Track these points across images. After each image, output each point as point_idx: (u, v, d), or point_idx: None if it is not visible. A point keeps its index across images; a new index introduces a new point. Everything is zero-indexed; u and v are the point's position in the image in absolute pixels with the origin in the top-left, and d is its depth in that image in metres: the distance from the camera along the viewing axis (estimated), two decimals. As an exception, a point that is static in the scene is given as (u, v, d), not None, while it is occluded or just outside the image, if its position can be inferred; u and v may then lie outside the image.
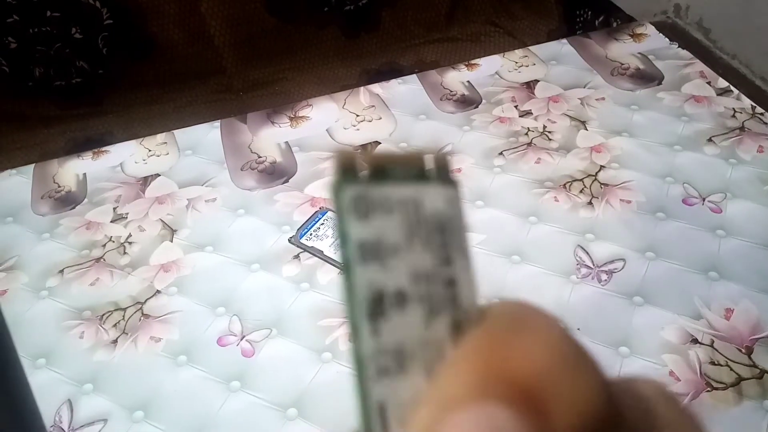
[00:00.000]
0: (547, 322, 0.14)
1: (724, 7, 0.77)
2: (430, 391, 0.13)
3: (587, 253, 0.56)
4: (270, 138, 0.69)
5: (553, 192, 0.61)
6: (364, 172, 0.14)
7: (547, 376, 0.13)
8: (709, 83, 0.72)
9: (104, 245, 0.59)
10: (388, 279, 0.14)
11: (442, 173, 0.15)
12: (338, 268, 0.13)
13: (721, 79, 0.72)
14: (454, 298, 0.14)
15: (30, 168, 0.68)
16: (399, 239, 0.14)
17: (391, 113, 0.71)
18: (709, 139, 0.65)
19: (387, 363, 0.14)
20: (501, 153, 0.65)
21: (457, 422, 0.12)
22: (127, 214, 0.62)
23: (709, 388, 0.47)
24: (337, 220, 0.14)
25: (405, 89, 0.74)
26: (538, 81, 0.74)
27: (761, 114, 0.68)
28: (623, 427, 0.14)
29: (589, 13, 0.92)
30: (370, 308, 0.14)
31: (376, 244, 0.14)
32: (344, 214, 0.14)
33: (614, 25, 0.84)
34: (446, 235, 0.14)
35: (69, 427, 0.47)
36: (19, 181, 0.67)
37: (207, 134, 0.70)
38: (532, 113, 0.70)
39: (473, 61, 0.78)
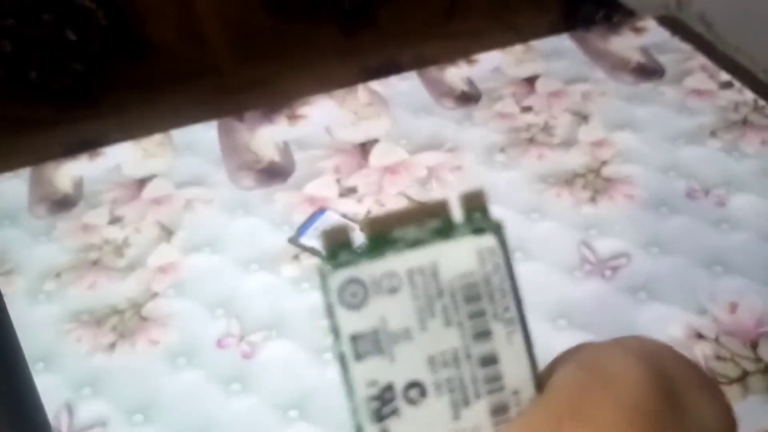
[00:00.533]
0: (606, 412, 0.11)
1: (726, 0, 0.77)
2: None
3: (591, 249, 0.56)
4: (268, 137, 0.69)
5: (555, 188, 0.61)
6: (361, 246, 0.12)
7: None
8: (711, 77, 0.72)
9: (101, 248, 0.59)
10: (396, 371, 0.12)
11: (475, 219, 0.12)
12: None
13: (723, 72, 0.72)
14: (496, 378, 0.12)
15: (26, 171, 0.68)
16: (408, 321, 0.12)
17: (391, 110, 0.71)
18: (712, 133, 0.65)
19: None
20: (502, 149, 0.65)
21: None
22: (124, 216, 0.62)
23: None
24: (327, 312, 0.12)
25: (404, 86, 0.74)
26: (539, 76, 0.74)
27: (764, 107, 0.68)
28: None
29: (590, 7, 0.92)
30: (374, 409, 0.12)
31: (375, 334, 0.12)
32: (333, 306, 0.12)
33: (615, 19, 0.84)
34: (482, 302, 0.12)
35: (68, 431, 0.47)
36: (15, 185, 0.67)
37: (204, 134, 0.70)
38: (533, 109, 0.70)
39: (473, 57, 0.78)
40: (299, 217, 0.60)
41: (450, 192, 0.61)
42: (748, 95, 0.69)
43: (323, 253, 0.12)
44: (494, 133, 0.67)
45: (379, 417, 0.12)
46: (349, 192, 0.62)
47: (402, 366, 0.12)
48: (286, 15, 0.92)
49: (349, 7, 0.91)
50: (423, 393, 0.12)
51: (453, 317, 0.12)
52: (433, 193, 0.62)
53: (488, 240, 0.12)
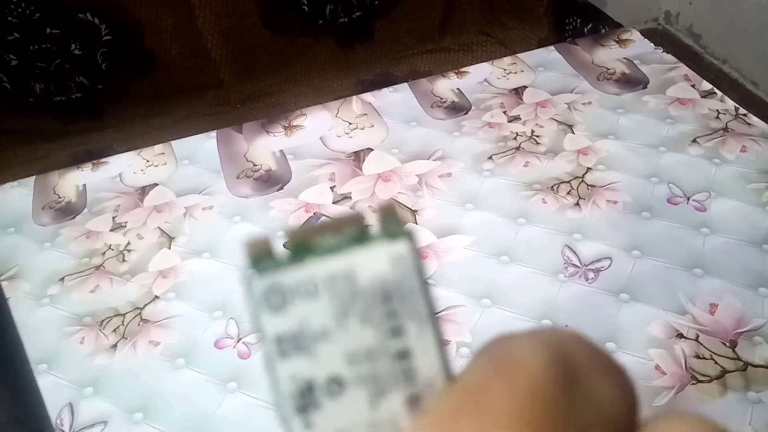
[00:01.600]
0: (505, 400, 0.12)
1: (713, 13, 0.78)
2: None
3: (574, 252, 0.57)
4: (265, 147, 0.70)
5: (541, 194, 0.62)
6: (283, 256, 0.13)
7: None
8: (693, 86, 0.73)
9: (104, 253, 0.60)
10: (316, 368, 0.13)
11: (390, 228, 0.13)
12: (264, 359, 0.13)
13: (705, 81, 0.73)
14: (409, 372, 0.13)
15: (31, 180, 0.69)
16: (327, 322, 0.13)
17: (383, 121, 0.72)
18: (694, 140, 0.66)
19: None
20: (490, 157, 0.66)
21: None
22: (126, 222, 0.63)
23: (694, 381, 0.48)
24: (251, 316, 0.13)
25: (396, 97, 0.76)
26: (526, 87, 0.75)
27: (744, 115, 0.69)
28: None
29: (578, 21, 0.93)
30: (298, 403, 0.13)
31: (297, 334, 0.13)
32: (257, 310, 0.13)
33: (603, 32, 0.86)
34: (395, 302, 0.13)
35: (70, 430, 0.48)
36: (20, 193, 0.68)
37: (204, 144, 0.71)
38: (520, 118, 0.71)
39: (462, 69, 0.79)
40: (295, 223, 0.61)
41: (439, 199, 0.62)
42: (730, 104, 0.70)
43: (248, 262, 0.13)
44: (483, 141, 0.68)
45: (302, 409, 0.13)
46: (343, 199, 0.63)
47: (322, 363, 0.13)
48: (286, 30, 0.94)
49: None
50: (342, 387, 0.13)
51: (368, 317, 0.13)
52: (424, 200, 0.63)
53: (400, 247, 0.13)
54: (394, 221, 0.13)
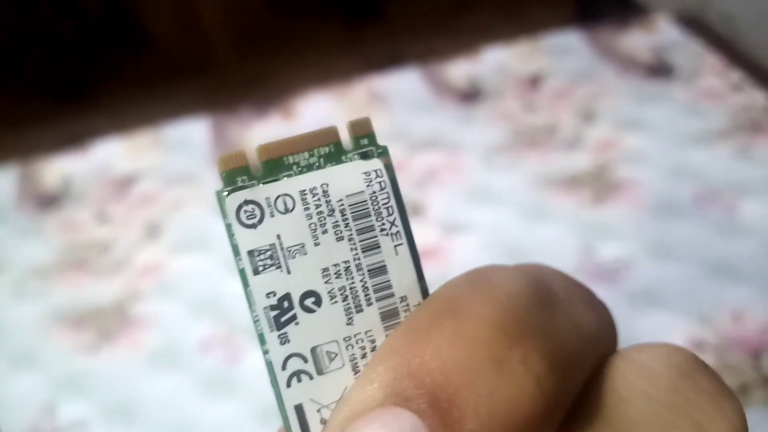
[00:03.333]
0: (484, 299, 0.13)
1: (749, -2, 0.77)
2: (350, 390, 0.13)
3: (593, 253, 0.57)
4: (262, 134, 0.71)
5: (558, 190, 0.62)
6: (257, 170, 0.13)
7: (458, 377, 0.12)
8: (723, 78, 0.72)
9: (87, 246, 0.61)
10: (292, 283, 0.13)
11: (363, 144, 0.14)
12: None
13: (738, 72, 0.73)
14: (385, 287, 0.14)
15: (13, 167, 0.70)
16: (302, 238, 0.13)
17: (390, 107, 0.72)
18: (723, 136, 0.66)
19: (301, 367, 0.14)
20: (504, 149, 0.66)
21: (359, 429, 0.12)
22: (111, 214, 0.64)
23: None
24: (227, 233, 0.13)
25: (404, 82, 0.76)
26: (545, 74, 0.75)
27: (780, 108, 0.68)
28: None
29: (604, 3, 0.92)
30: (273, 318, 0.13)
31: (271, 250, 0.13)
32: (231, 225, 0.13)
33: (629, 16, 0.85)
34: (370, 218, 0.14)
35: (49, 430, 0.49)
36: (3, 180, 0.68)
37: (196, 131, 0.72)
38: (537, 108, 0.71)
39: (476, 53, 0.79)
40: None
41: (447, 194, 0.62)
42: (761, 98, 0.69)
43: (221, 177, 0.13)
44: (496, 132, 0.68)
45: (279, 325, 0.13)
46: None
47: (298, 278, 0.13)
48: (289, 8, 0.94)
49: None
50: (318, 302, 0.14)
51: (344, 233, 0.14)
52: (430, 194, 0.63)
53: (374, 163, 0.14)
54: (369, 137, 0.14)
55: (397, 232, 0.14)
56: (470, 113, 0.71)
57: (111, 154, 0.70)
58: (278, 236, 0.13)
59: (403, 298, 0.14)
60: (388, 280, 0.14)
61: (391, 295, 0.14)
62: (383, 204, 0.14)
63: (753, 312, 0.52)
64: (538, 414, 0.12)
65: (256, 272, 0.13)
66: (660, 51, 0.77)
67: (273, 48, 0.92)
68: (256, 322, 0.14)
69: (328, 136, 0.14)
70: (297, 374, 0.14)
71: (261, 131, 0.71)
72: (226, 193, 0.13)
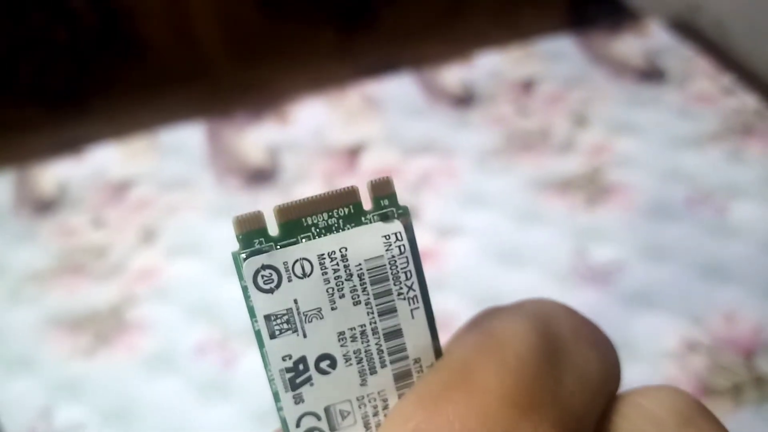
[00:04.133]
0: (495, 366, 0.13)
1: (740, 4, 0.78)
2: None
3: (587, 256, 0.57)
4: (256, 139, 0.71)
5: (552, 193, 0.63)
6: (275, 233, 0.13)
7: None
8: (714, 82, 0.73)
9: (83, 251, 0.61)
10: (308, 346, 0.13)
11: (383, 204, 0.14)
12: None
13: (729, 77, 0.73)
14: (399, 349, 0.14)
15: (9, 173, 0.70)
16: (319, 302, 0.13)
17: (383, 112, 0.73)
18: (714, 139, 0.67)
19: (314, 425, 0.14)
20: (498, 153, 0.67)
21: None
22: (107, 219, 0.64)
23: (708, 394, 0.48)
24: (243, 295, 0.13)
25: (398, 87, 0.76)
26: (538, 79, 0.76)
27: (766, 114, 0.69)
28: None
29: (596, 9, 0.93)
30: (288, 379, 0.14)
31: (288, 314, 0.13)
32: (248, 288, 0.13)
33: (622, 21, 0.86)
34: (388, 282, 0.14)
35: (44, 436, 0.49)
36: (-2, 186, 0.69)
37: (191, 136, 0.72)
38: (530, 112, 0.72)
39: (470, 59, 0.79)
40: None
41: (441, 197, 0.63)
42: (753, 101, 0.70)
43: (237, 239, 0.13)
44: (489, 136, 0.69)
45: (294, 386, 0.14)
46: (338, 196, 0.64)
47: (314, 341, 0.13)
48: (283, 15, 0.94)
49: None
50: (333, 365, 0.14)
51: (361, 297, 0.14)
52: (425, 198, 0.63)
53: (394, 225, 0.14)
54: (389, 197, 0.14)
55: (414, 296, 0.14)
56: (464, 118, 0.72)
57: (106, 159, 0.71)
58: (295, 301, 0.13)
59: (417, 360, 0.14)
60: (403, 343, 0.14)
61: (405, 357, 0.14)
62: (402, 268, 0.14)
63: (745, 313, 0.53)
64: None
65: (272, 336, 0.13)
66: (652, 55, 0.78)
67: (267, 54, 0.92)
68: (271, 381, 0.14)
69: (348, 196, 0.14)
70: (310, 431, 0.14)
71: (255, 136, 0.72)
72: (244, 256, 0.13)
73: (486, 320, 0.14)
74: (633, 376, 0.50)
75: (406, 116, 0.72)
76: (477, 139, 0.69)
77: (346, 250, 0.13)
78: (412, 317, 0.14)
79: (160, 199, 0.65)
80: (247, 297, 0.13)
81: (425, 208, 0.62)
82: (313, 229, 0.13)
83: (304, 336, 0.13)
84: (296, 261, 0.13)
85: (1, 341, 0.55)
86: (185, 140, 0.72)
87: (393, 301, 0.14)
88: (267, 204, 0.64)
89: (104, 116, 0.85)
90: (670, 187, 0.63)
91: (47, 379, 0.52)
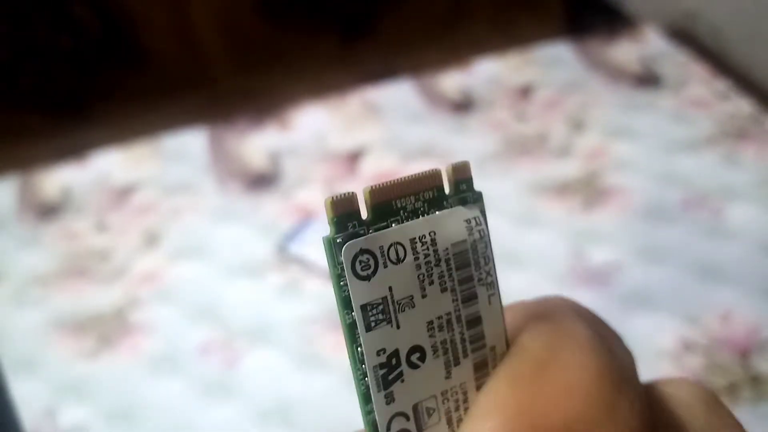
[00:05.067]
0: (580, 350, 0.13)
1: (737, 11, 0.79)
2: None
3: (584, 257, 0.58)
4: (258, 144, 0.72)
5: (549, 197, 0.63)
6: (366, 216, 0.12)
7: (579, 425, 0.12)
8: (709, 87, 0.74)
9: (87, 254, 0.62)
10: (401, 338, 0.13)
11: (462, 190, 0.13)
12: (327, 277, 0.12)
13: (723, 82, 0.74)
14: (479, 338, 0.13)
15: (13, 178, 0.71)
16: (411, 289, 0.13)
17: (383, 118, 0.74)
18: (709, 143, 0.67)
19: (404, 426, 0.13)
20: (496, 157, 0.68)
21: None
22: (110, 223, 0.64)
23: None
24: (334, 283, 0.12)
25: (398, 93, 0.77)
26: (535, 85, 0.76)
27: (761, 118, 0.70)
28: None
29: (593, 16, 0.94)
30: (382, 377, 0.12)
31: (383, 303, 0.12)
32: (343, 276, 0.12)
33: (618, 28, 0.87)
34: (470, 267, 0.13)
35: (49, 436, 0.49)
36: (3, 191, 0.69)
37: (193, 142, 0.73)
38: (528, 117, 0.72)
39: (469, 65, 0.80)
40: (287, 225, 0.62)
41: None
42: (747, 106, 0.71)
43: (331, 222, 0.12)
44: (488, 141, 0.70)
45: (386, 384, 0.13)
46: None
47: (405, 332, 0.13)
48: (284, 23, 0.95)
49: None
50: (423, 357, 0.13)
51: (447, 283, 0.13)
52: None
53: (474, 210, 0.13)
54: (467, 182, 0.13)
55: (492, 281, 0.14)
56: (463, 123, 0.72)
57: (109, 164, 0.71)
58: (390, 288, 0.12)
59: (492, 348, 0.13)
60: (482, 331, 0.13)
61: (484, 346, 0.13)
62: (482, 253, 0.13)
63: (740, 313, 0.53)
64: None
65: (368, 328, 0.12)
66: (648, 61, 0.78)
67: (268, 61, 0.93)
68: (360, 381, 0.12)
69: (433, 179, 0.13)
70: None
71: (257, 142, 0.72)
72: (340, 240, 0.12)
73: (550, 318, 0.14)
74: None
75: (405, 122, 0.73)
76: (476, 143, 0.70)
77: (435, 234, 0.13)
78: (489, 303, 0.13)
79: (163, 204, 0.66)
80: (341, 287, 0.12)
81: (425, 212, 0.63)
82: (402, 212, 0.13)
83: (398, 327, 0.12)
84: (391, 245, 0.12)
85: (6, 343, 0.55)
86: (188, 146, 0.73)
87: (474, 287, 0.13)
88: (268, 209, 0.64)
89: (107, 123, 0.86)
90: (666, 189, 0.63)
91: (52, 380, 0.53)
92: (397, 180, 0.13)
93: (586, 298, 0.56)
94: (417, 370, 0.13)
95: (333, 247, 0.12)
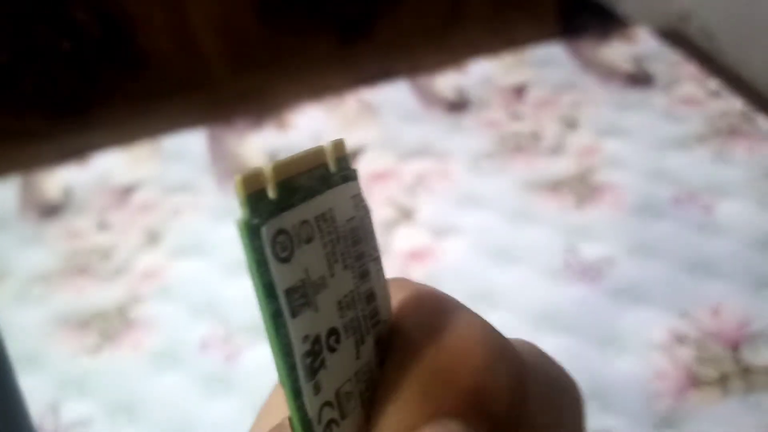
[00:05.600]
0: (460, 312, 0.13)
1: (728, 12, 0.80)
2: (379, 426, 0.12)
3: (577, 253, 0.58)
4: (256, 144, 0.72)
5: (543, 194, 0.64)
6: (272, 195, 0.11)
7: (486, 373, 0.12)
8: (700, 86, 0.75)
9: (89, 253, 0.62)
10: (320, 322, 0.12)
11: (344, 165, 0.13)
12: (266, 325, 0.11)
13: (713, 81, 0.75)
14: (376, 313, 0.13)
15: (16, 178, 0.71)
16: (323, 269, 0.12)
17: (380, 118, 0.74)
18: (700, 141, 0.68)
19: (331, 416, 0.12)
20: (491, 156, 0.68)
21: None
22: (111, 222, 0.65)
23: (696, 385, 0.49)
24: (254, 270, 0.11)
25: (394, 94, 0.78)
26: (529, 84, 0.77)
27: (752, 116, 0.70)
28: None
29: (586, 17, 0.95)
30: (308, 365, 0.11)
31: (303, 286, 0.11)
32: (267, 261, 0.11)
33: (611, 29, 0.87)
34: (362, 244, 0.13)
35: (53, 430, 0.50)
36: (6, 191, 0.70)
37: (193, 142, 0.73)
38: (522, 116, 0.73)
39: (464, 66, 0.81)
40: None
41: (436, 198, 0.64)
42: (737, 104, 0.72)
43: (244, 203, 0.11)
44: (483, 140, 0.70)
45: (312, 372, 0.12)
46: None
47: (324, 315, 0.12)
48: (282, 25, 0.96)
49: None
50: (338, 339, 0.12)
51: (347, 261, 0.12)
52: (421, 199, 0.64)
53: (355, 186, 0.13)
54: (345, 159, 0.13)
55: (377, 257, 0.13)
56: (458, 122, 0.73)
57: (110, 165, 0.72)
58: (306, 270, 0.11)
59: (385, 322, 0.13)
60: (377, 306, 0.13)
61: (379, 322, 0.13)
62: (368, 228, 0.13)
63: (731, 306, 0.54)
64: None
65: (293, 314, 0.11)
66: (640, 61, 0.79)
67: (267, 63, 0.93)
68: (289, 374, 0.11)
69: (321, 156, 0.12)
70: (330, 425, 0.12)
71: (256, 142, 0.73)
72: (257, 221, 0.11)
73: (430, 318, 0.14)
74: (623, 368, 0.51)
75: (402, 121, 0.74)
76: (470, 142, 0.70)
77: (332, 211, 0.12)
78: (379, 279, 0.13)
79: (164, 203, 0.67)
80: (261, 273, 0.11)
81: (421, 209, 0.63)
82: (300, 190, 0.12)
83: (317, 310, 0.12)
84: (302, 224, 0.11)
85: (10, 340, 0.55)
86: (187, 146, 0.73)
87: (366, 263, 0.13)
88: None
89: (108, 125, 0.87)
90: (658, 186, 0.64)
91: (55, 376, 0.53)
92: (293, 157, 0.12)
93: (579, 292, 0.57)
94: (335, 354, 0.12)
95: (250, 231, 0.11)
